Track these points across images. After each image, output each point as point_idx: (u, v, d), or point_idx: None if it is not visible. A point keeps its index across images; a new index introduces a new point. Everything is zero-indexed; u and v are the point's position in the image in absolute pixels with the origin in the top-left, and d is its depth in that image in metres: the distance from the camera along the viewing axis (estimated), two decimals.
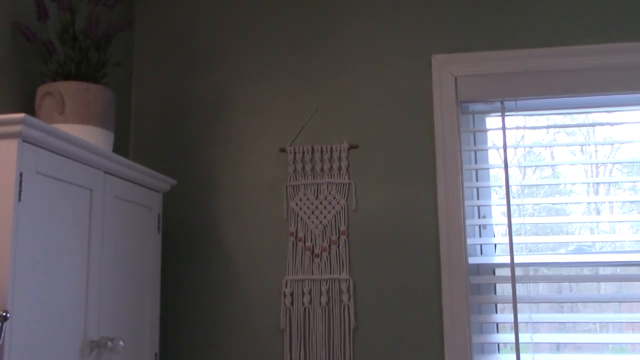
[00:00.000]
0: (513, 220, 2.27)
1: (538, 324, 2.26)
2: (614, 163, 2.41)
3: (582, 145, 2.43)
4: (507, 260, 2.24)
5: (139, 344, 1.99)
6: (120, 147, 2.32)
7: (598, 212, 2.38)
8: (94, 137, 1.76)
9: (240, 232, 2.38)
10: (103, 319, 1.75)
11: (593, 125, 2.39)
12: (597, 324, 2.31)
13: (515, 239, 2.25)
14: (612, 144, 2.39)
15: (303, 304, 2.29)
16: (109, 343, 1.72)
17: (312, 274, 2.31)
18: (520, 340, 2.18)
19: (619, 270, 2.27)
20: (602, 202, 2.37)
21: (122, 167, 1.86)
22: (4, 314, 1.31)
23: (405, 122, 2.36)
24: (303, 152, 2.39)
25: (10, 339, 1.37)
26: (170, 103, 2.52)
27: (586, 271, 2.28)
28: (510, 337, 2.21)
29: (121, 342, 1.74)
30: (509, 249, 2.23)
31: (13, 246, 1.38)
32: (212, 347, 2.32)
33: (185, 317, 2.36)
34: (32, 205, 1.45)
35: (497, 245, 2.37)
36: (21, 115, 1.37)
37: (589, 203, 2.39)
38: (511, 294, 2.21)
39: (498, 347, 2.28)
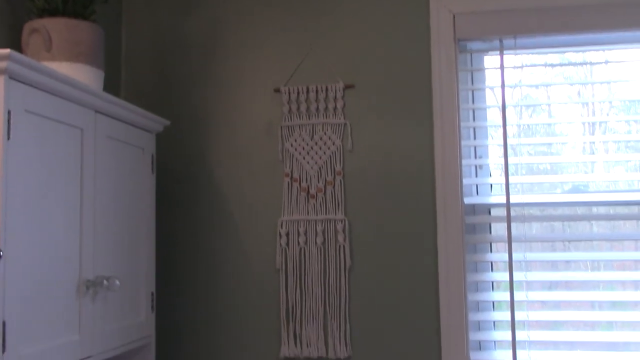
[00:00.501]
0: (510, 160, 2.26)
1: (531, 262, 2.28)
2: (611, 102, 2.38)
3: (580, 84, 2.39)
4: (503, 200, 2.24)
5: (135, 283, 2.00)
6: (111, 87, 2.28)
7: (593, 153, 2.36)
8: (83, 75, 1.72)
9: (236, 173, 2.37)
10: (98, 258, 1.76)
11: (592, 63, 2.35)
12: (589, 262, 2.33)
13: (511, 179, 2.25)
14: (609, 83, 2.35)
15: (299, 244, 2.30)
16: (105, 282, 1.73)
17: (308, 214, 2.31)
18: (514, 279, 2.20)
19: (612, 211, 2.27)
20: (597, 142, 2.34)
21: (114, 106, 1.83)
22: None
23: (402, 60, 2.32)
24: (298, 92, 2.35)
25: (5, 277, 1.37)
26: (162, 42, 2.46)
27: (579, 211, 2.28)
28: (505, 276, 2.23)
29: (117, 281, 1.76)
30: (504, 188, 2.23)
31: (4, 185, 1.36)
32: (209, 286, 2.34)
33: (181, 257, 2.37)
34: (22, 144, 1.43)
35: (492, 186, 2.36)
36: (6, 50, 1.33)
37: (584, 143, 2.37)
38: (506, 234, 2.21)
39: (492, 285, 2.30)
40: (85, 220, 1.70)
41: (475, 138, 2.39)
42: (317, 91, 2.34)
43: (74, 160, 1.66)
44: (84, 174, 1.70)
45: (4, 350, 1.35)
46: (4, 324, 1.36)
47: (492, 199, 2.31)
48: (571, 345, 2.24)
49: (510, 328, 2.18)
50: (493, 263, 2.33)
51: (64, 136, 1.62)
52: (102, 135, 1.80)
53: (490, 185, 2.36)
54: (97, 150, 1.76)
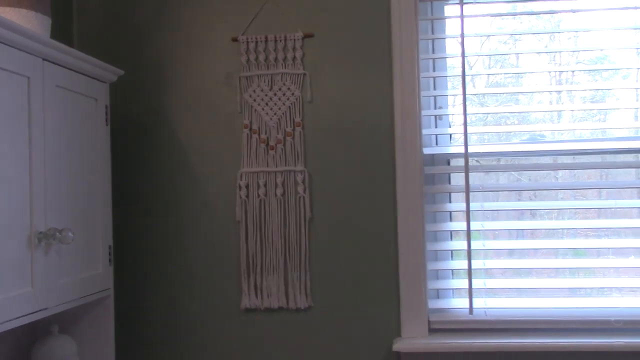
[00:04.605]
0: (468, 110, 2.26)
1: (489, 212, 2.31)
2: (574, 52, 2.39)
3: (539, 34, 2.38)
4: (462, 150, 2.25)
5: (91, 236, 1.97)
6: (63, 36, 2.21)
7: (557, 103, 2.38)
8: (27, 20, 1.65)
9: (193, 125, 2.33)
10: (50, 211, 1.72)
11: (552, 12, 2.34)
12: (555, 212, 2.37)
13: (469, 129, 2.25)
14: (574, 32, 2.35)
15: (258, 195, 2.29)
16: (58, 234, 1.69)
17: (267, 166, 2.29)
18: (471, 228, 2.23)
19: (574, 160, 2.30)
20: (562, 93, 2.36)
21: (62, 54, 1.77)
22: None
23: (362, 9, 2.28)
24: (256, 42, 2.31)
25: None
26: None
27: (541, 160, 2.31)
28: (462, 225, 2.26)
29: (70, 234, 1.72)
30: (463, 138, 2.23)
31: None
32: (168, 239, 2.33)
33: (139, 210, 2.34)
34: None
35: (452, 136, 2.36)
36: None
37: (550, 93, 2.38)
38: (464, 183, 2.23)
39: (451, 235, 2.33)
40: (34, 171, 1.65)
41: (435, 88, 2.38)
42: (275, 41, 2.30)
43: (21, 109, 1.61)
44: (32, 123, 1.65)
45: None
46: None
47: (451, 149, 2.32)
48: (528, 291, 2.29)
49: (467, 276, 2.22)
50: (452, 213, 2.36)
51: (8, 84, 1.56)
52: (51, 84, 1.74)
53: (449, 136, 2.37)
54: (45, 99, 1.71)
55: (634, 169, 2.32)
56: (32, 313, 1.63)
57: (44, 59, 1.70)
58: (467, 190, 2.23)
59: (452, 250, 2.33)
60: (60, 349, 1.97)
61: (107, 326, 2.06)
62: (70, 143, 1.85)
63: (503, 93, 2.39)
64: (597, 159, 2.27)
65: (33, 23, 1.68)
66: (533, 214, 2.38)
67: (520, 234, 2.38)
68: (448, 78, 2.36)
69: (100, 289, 2.00)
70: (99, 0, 2.39)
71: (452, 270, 2.33)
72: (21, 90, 1.61)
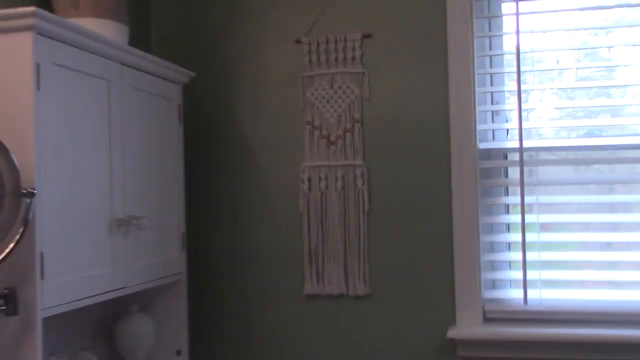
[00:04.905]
0: (523, 106, 2.31)
1: (544, 205, 2.35)
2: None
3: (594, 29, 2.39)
4: (517, 145, 2.30)
5: (166, 225, 2.17)
6: (142, 42, 2.41)
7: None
8: (108, 29, 1.86)
9: (260, 122, 2.49)
10: (129, 200, 1.92)
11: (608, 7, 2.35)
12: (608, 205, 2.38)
13: (524, 124, 2.30)
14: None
15: (320, 188, 2.42)
16: (135, 221, 1.89)
17: (329, 160, 2.42)
18: (526, 221, 2.28)
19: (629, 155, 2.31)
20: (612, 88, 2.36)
21: (138, 59, 1.97)
22: (32, 190, 1.47)
23: (418, 9, 2.37)
24: (318, 43, 2.44)
25: (41, 218, 1.54)
26: None
27: (594, 155, 2.33)
28: (517, 218, 2.31)
29: (146, 221, 1.92)
30: (518, 133, 2.29)
31: (35, 130, 1.52)
32: (236, 229, 2.50)
33: (210, 201, 2.52)
34: (51, 94, 1.58)
35: (510, 131, 2.41)
36: (32, 8, 1.48)
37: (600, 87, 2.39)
38: (519, 177, 2.28)
39: (508, 227, 2.38)
40: (114, 165, 1.86)
41: (492, 85, 2.44)
42: (336, 41, 2.43)
43: (102, 109, 1.81)
44: (112, 121, 1.85)
45: (42, 277, 1.53)
46: (42, 254, 1.54)
47: (507, 144, 2.37)
48: (585, 284, 2.32)
49: (522, 268, 2.28)
50: (511, 206, 2.41)
51: (91, 87, 1.77)
52: (129, 86, 1.94)
53: (507, 131, 2.42)
54: (124, 100, 1.91)
55: None
56: (112, 291, 1.84)
57: (122, 64, 1.90)
58: (522, 184, 2.28)
59: (509, 243, 2.38)
60: (140, 326, 2.19)
61: (180, 307, 2.26)
62: (146, 139, 2.05)
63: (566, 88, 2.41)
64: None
65: (113, 31, 1.88)
66: (612, 208, 2.39)
67: (585, 227, 2.40)
68: (510, 74, 2.40)
69: (173, 272, 2.20)
70: (174, 8, 2.60)
71: (511, 262, 2.38)
72: (102, 92, 1.82)
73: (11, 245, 1.43)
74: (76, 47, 1.68)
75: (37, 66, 1.53)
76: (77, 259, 1.69)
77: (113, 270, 1.84)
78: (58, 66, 1.61)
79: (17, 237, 1.44)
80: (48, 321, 1.59)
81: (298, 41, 2.46)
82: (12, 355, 1.52)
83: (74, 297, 1.67)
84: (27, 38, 1.51)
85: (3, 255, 1.44)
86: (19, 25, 1.50)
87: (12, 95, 1.52)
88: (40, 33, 1.54)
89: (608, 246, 2.35)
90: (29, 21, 1.49)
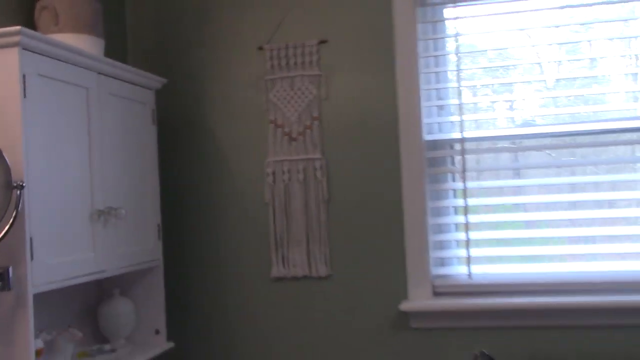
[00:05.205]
0: (463, 100, 2.58)
1: (485, 189, 2.61)
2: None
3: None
4: (459, 135, 2.57)
5: (142, 216, 2.41)
6: (118, 52, 2.66)
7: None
8: (85, 43, 2.10)
9: (227, 122, 2.74)
10: (108, 193, 2.17)
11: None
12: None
13: (465, 117, 2.57)
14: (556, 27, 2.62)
15: (283, 181, 2.67)
16: (113, 212, 2.13)
17: (291, 155, 2.67)
18: (469, 204, 2.55)
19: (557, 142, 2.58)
20: (547, 80, 2.63)
21: (113, 68, 2.21)
22: (21, 183, 1.71)
23: (368, 16, 2.63)
24: (278, 49, 2.69)
25: (30, 207, 1.77)
26: (161, 10, 2.82)
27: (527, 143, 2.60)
28: (461, 202, 2.57)
29: (123, 211, 2.17)
30: (459, 125, 2.56)
31: (23, 132, 1.76)
32: (208, 219, 2.74)
33: (183, 195, 2.77)
34: (36, 100, 1.82)
35: (455, 123, 2.66)
36: (17, 27, 1.72)
37: (539, 81, 2.66)
38: (461, 165, 2.55)
39: (455, 210, 2.64)
40: (94, 163, 2.10)
41: (438, 82, 2.70)
42: (295, 47, 2.68)
43: (82, 113, 2.06)
44: (92, 123, 2.10)
45: (32, 258, 1.77)
46: (31, 239, 1.78)
47: (449, 135, 2.63)
48: (520, 259, 2.59)
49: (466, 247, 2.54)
50: (457, 190, 2.66)
51: (72, 94, 2.01)
52: (105, 93, 2.19)
53: (451, 123, 2.68)
54: (101, 105, 2.15)
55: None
56: (94, 273, 2.08)
57: (99, 73, 2.15)
58: (464, 170, 2.55)
59: (461, 224, 2.61)
60: (121, 308, 2.42)
61: (158, 290, 2.50)
62: (123, 140, 2.29)
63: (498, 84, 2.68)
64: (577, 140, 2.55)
65: (90, 45, 2.13)
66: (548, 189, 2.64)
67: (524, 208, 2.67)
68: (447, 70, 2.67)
69: (151, 259, 2.44)
70: (148, 21, 2.84)
71: (458, 241, 2.63)
72: (82, 98, 2.06)
73: (5, 229, 1.67)
74: (57, 59, 1.92)
75: (24, 77, 1.77)
76: (62, 244, 1.93)
77: (94, 255, 2.08)
78: (42, 76, 1.86)
79: (9, 223, 1.68)
80: (38, 301, 1.82)
81: (260, 48, 2.71)
82: (8, 327, 1.76)
83: (60, 277, 1.91)
84: (14, 53, 1.75)
85: None
86: (7, 42, 1.74)
87: (1, 102, 1.76)
88: (26, 48, 1.78)
89: (547, 224, 2.62)
90: (16, 38, 1.74)
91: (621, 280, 2.41)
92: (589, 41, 2.62)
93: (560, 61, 2.64)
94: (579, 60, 2.61)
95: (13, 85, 1.76)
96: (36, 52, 1.83)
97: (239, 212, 2.72)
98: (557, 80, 2.62)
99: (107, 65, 2.18)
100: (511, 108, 2.67)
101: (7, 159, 1.69)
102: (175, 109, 2.78)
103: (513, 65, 2.66)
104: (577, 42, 2.61)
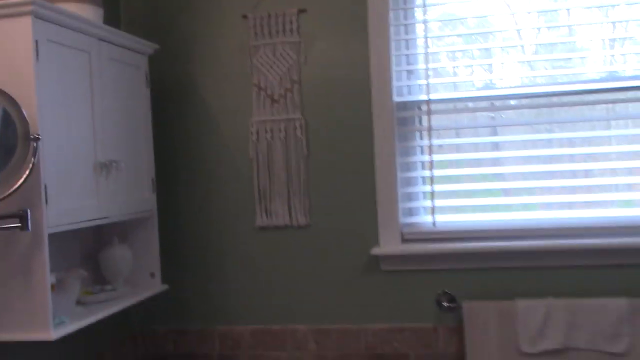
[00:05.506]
0: (430, 65, 2.84)
1: (448, 146, 2.90)
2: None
3: None
4: (426, 97, 2.84)
5: (139, 170, 2.66)
6: (114, 20, 2.86)
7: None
8: (87, 12, 2.32)
9: (215, 85, 2.98)
10: (109, 148, 2.41)
11: None
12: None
13: (431, 80, 2.83)
14: None
15: (266, 139, 2.93)
16: (114, 164, 2.38)
17: (273, 115, 2.92)
18: (435, 159, 2.82)
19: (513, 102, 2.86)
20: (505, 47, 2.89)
21: (111, 35, 2.44)
22: (37, 136, 1.95)
23: None
24: (261, 18, 2.92)
25: (44, 154, 2.01)
26: None
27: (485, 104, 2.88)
28: (427, 157, 2.85)
29: (122, 164, 2.42)
30: (426, 87, 2.83)
31: (37, 91, 1.99)
32: (198, 173, 2.99)
33: (175, 151, 3.01)
34: (47, 62, 2.05)
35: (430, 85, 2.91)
36: None
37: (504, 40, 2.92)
38: (427, 124, 2.82)
39: (422, 166, 2.92)
40: (96, 120, 2.34)
41: (408, 49, 2.96)
42: (276, 16, 2.91)
43: (85, 75, 2.29)
44: (94, 85, 2.33)
45: (47, 203, 2.02)
46: (45, 186, 2.02)
47: (416, 97, 2.89)
48: (479, 208, 2.88)
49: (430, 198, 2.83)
50: (424, 147, 2.93)
51: (76, 58, 2.24)
52: (105, 57, 2.41)
53: (419, 86, 2.93)
54: (101, 68, 2.38)
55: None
56: (98, 219, 2.33)
57: (99, 39, 2.37)
58: (429, 128, 2.83)
59: (427, 177, 2.88)
60: (119, 253, 2.67)
61: (153, 238, 2.76)
62: (120, 100, 2.53)
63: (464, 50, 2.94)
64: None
65: (91, 13, 2.34)
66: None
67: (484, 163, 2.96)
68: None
69: (146, 209, 2.70)
70: None
71: (424, 193, 2.91)
72: (85, 61, 2.29)
73: (24, 177, 1.92)
74: (64, 26, 2.15)
75: (36, 42, 2.00)
76: (71, 192, 2.18)
77: (98, 203, 2.34)
78: (51, 42, 2.08)
79: (29, 170, 1.93)
80: (48, 243, 2.07)
81: (245, 17, 2.94)
82: (27, 262, 2.01)
83: (70, 220, 2.16)
84: (27, 21, 1.98)
85: (17, 185, 1.92)
86: (21, 11, 1.97)
87: (17, 64, 1.99)
88: (37, 17, 2.00)
89: (501, 177, 2.91)
90: (28, 8, 1.96)
91: (568, 226, 2.71)
92: (567, 9, 2.85)
93: (538, 28, 2.88)
94: (556, 27, 2.85)
95: (27, 50, 1.99)
96: (46, 20, 2.05)
97: (226, 167, 2.98)
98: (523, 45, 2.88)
99: (107, 32, 2.40)
100: (472, 73, 2.94)
101: (25, 114, 1.92)
102: (167, 72, 3.01)
103: (487, 33, 2.91)
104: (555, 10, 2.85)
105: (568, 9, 2.84)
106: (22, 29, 1.99)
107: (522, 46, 2.89)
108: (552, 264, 2.68)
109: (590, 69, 2.81)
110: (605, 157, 2.80)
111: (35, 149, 1.95)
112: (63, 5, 2.26)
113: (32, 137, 1.94)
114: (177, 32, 3.02)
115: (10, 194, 1.90)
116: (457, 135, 2.96)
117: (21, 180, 1.92)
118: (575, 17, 2.85)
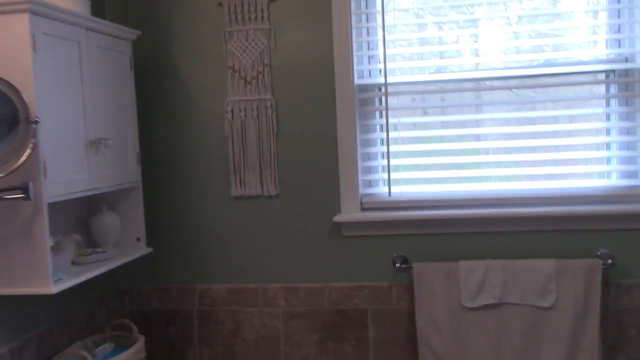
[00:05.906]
0: (387, 52, 3.14)
1: (403, 124, 3.22)
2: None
3: None
4: (383, 80, 3.15)
5: (125, 145, 2.95)
6: (99, 10, 3.13)
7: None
8: (77, 5, 2.59)
9: (193, 68, 3.26)
10: (98, 127, 2.70)
11: None
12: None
13: (388, 65, 3.14)
14: None
15: (240, 117, 3.23)
16: (103, 141, 2.68)
17: (246, 95, 3.22)
18: (390, 136, 3.15)
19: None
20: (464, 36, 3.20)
21: (98, 25, 2.71)
22: (37, 119, 2.24)
23: None
24: (235, 5, 3.20)
25: (43, 139, 2.30)
26: None
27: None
28: (384, 135, 3.17)
29: (110, 141, 2.72)
30: (383, 70, 3.14)
31: (35, 78, 2.27)
32: (179, 148, 3.30)
33: (157, 128, 3.31)
34: (43, 53, 2.33)
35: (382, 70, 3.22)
36: None
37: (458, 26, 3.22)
38: (384, 104, 3.14)
39: (380, 142, 3.24)
40: (87, 103, 2.63)
41: (368, 35, 3.25)
42: (249, 4, 3.19)
43: (76, 62, 2.57)
44: (83, 70, 2.61)
45: (45, 176, 2.32)
46: (44, 162, 2.32)
47: (375, 80, 3.20)
48: (432, 180, 3.22)
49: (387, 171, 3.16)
50: (381, 125, 3.26)
51: (67, 47, 2.52)
52: (93, 45, 2.69)
53: (378, 70, 3.24)
54: (90, 55, 2.66)
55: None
56: (89, 190, 2.64)
57: (87, 29, 2.65)
58: (386, 108, 3.14)
59: (382, 153, 3.22)
60: (108, 220, 2.98)
61: (138, 206, 3.07)
62: (108, 83, 2.81)
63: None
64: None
65: (79, 6, 2.62)
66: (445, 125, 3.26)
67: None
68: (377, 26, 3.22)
69: (132, 180, 3.01)
70: None
71: (382, 166, 3.24)
72: (75, 50, 2.57)
73: (26, 155, 2.21)
74: (56, 20, 2.42)
75: (33, 36, 2.28)
76: (65, 167, 2.47)
77: (89, 176, 2.64)
78: (45, 34, 2.36)
79: (29, 150, 2.22)
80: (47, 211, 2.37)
81: (220, 4, 3.22)
82: (29, 227, 2.32)
83: (65, 191, 2.46)
84: (24, 17, 2.25)
85: (20, 161, 2.21)
86: (19, 8, 2.24)
87: (17, 56, 2.27)
88: (33, 13, 2.28)
89: (452, 152, 3.25)
90: (26, 6, 2.24)
91: (505, 197, 3.07)
92: None
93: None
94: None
95: (25, 43, 2.27)
96: (41, 15, 2.33)
97: (204, 143, 3.29)
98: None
99: (94, 23, 2.68)
100: (423, 59, 3.25)
101: (26, 99, 2.21)
102: (149, 56, 3.29)
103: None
104: None
105: None
106: (20, 24, 2.26)
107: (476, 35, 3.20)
108: (491, 230, 3.04)
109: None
110: (532, 135, 3.14)
111: (35, 131, 2.25)
112: (55, 0, 2.53)
113: (31, 120, 2.23)
114: (157, 19, 3.29)
115: (14, 170, 2.20)
116: (417, 115, 3.28)
117: (24, 158, 2.22)
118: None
